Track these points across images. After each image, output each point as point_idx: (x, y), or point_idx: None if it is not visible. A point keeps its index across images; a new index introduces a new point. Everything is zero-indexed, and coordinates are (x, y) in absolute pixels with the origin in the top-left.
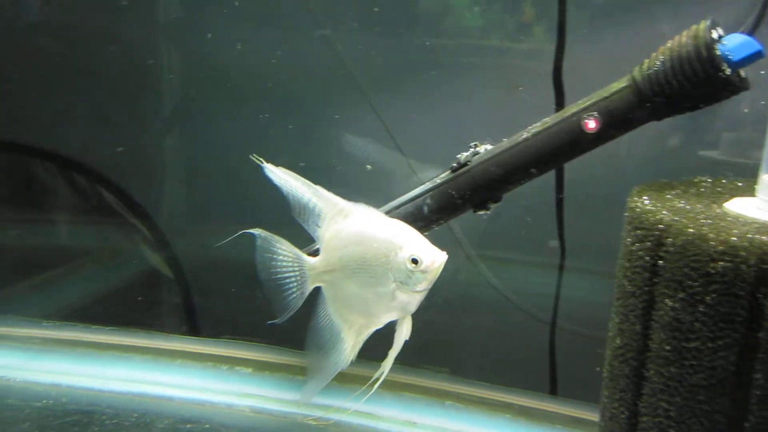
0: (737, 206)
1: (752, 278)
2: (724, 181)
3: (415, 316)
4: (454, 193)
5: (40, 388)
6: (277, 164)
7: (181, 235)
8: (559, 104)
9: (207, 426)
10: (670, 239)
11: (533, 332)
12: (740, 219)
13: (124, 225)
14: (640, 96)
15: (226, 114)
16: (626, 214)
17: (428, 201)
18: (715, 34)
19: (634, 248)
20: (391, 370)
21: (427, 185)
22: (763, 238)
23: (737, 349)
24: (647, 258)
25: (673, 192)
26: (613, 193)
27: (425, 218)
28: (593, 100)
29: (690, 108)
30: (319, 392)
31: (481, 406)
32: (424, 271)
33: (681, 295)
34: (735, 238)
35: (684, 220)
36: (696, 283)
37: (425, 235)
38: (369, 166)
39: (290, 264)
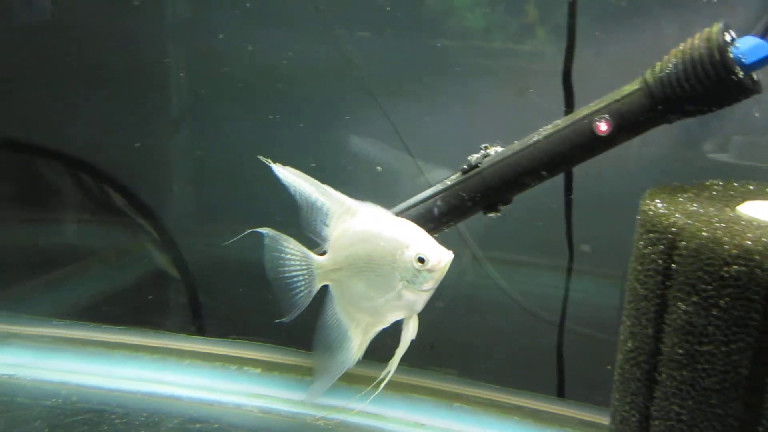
0: (750, 210)
1: (766, 282)
2: (735, 184)
3: (423, 317)
4: (464, 195)
5: (50, 386)
6: (286, 165)
7: (188, 235)
8: (569, 106)
9: (216, 426)
10: (684, 242)
11: (537, 333)
12: (754, 223)
13: (132, 225)
14: (652, 99)
15: (234, 114)
16: (638, 217)
17: (438, 203)
18: (727, 37)
19: (646, 251)
20: (399, 371)
21: (438, 187)
22: None
23: (751, 353)
24: (660, 261)
25: (686, 195)
26: (621, 196)
27: (435, 220)
28: (605, 103)
29: (702, 111)
30: (326, 392)
31: (489, 408)
32: (430, 270)
33: (694, 298)
34: (749, 242)
35: (698, 224)
36: (710, 287)
37: (434, 236)
38: (379, 168)
39: (298, 262)
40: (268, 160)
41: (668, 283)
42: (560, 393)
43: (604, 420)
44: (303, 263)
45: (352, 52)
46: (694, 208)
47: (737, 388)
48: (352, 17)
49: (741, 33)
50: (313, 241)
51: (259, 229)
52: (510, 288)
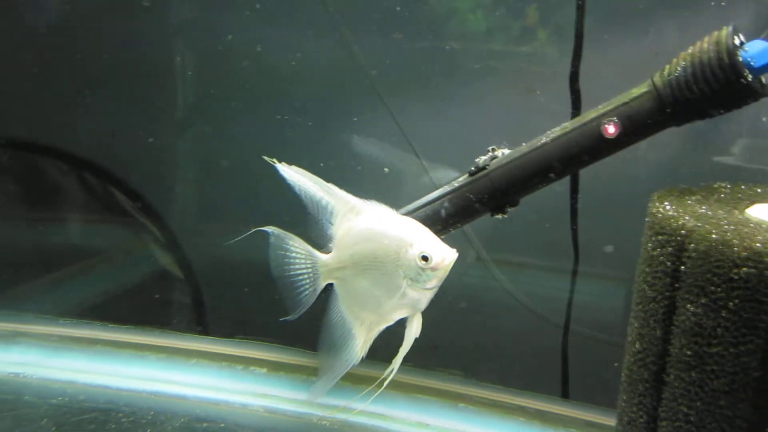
0: (759, 212)
1: None
2: (743, 187)
3: (426, 317)
4: (472, 196)
5: (56, 385)
6: (292, 165)
7: (192, 235)
8: (576, 109)
9: (222, 425)
10: (693, 245)
11: (541, 335)
12: (763, 225)
13: (135, 225)
14: (661, 101)
15: (242, 115)
16: (647, 219)
17: (446, 204)
18: (736, 41)
19: (655, 253)
20: (404, 372)
21: (445, 188)
22: None
23: (760, 355)
24: (669, 263)
25: (694, 198)
26: (627, 198)
27: (443, 221)
28: (613, 105)
29: (710, 114)
30: (332, 392)
31: (494, 409)
32: (434, 269)
33: (703, 300)
34: (759, 245)
35: (707, 226)
36: (719, 289)
37: (441, 238)
38: (386, 169)
39: (303, 261)
40: (273, 160)
41: (677, 285)
42: (565, 394)
43: (609, 421)
44: (308, 261)
45: (359, 54)
46: (703, 211)
47: (746, 390)
48: (358, 18)
49: (749, 36)
50: (320, 240)
51: (265, 228)
52: (515, 289)
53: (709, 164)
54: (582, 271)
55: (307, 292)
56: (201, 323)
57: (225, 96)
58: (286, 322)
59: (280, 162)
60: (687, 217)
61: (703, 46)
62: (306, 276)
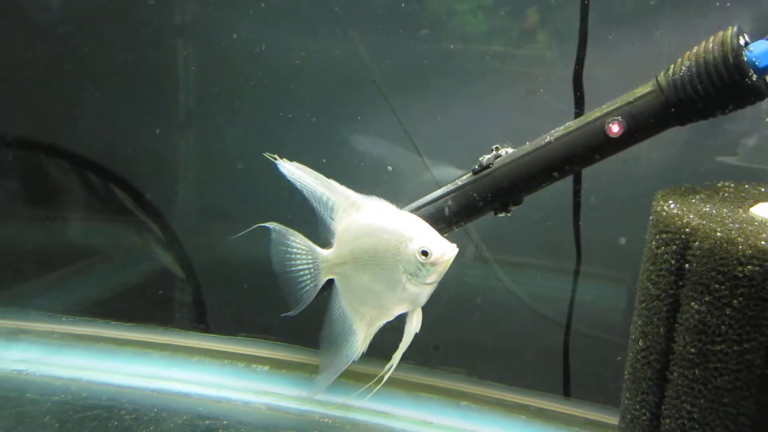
0: (763, 211)
1: None
2: (747, 186)
3: (427, 317)
4: (475, 195)
5: (59, 382)
6: (293, 162)
7: (193, 234)
8: (579, 109)
9: (224, 422)
10: (698, 243)
11: (542, 334)
12: (767, 224)
13: (137, 224)
14: (665, 101)
15: (244, 113)
16: (651, 218)
17: (449, 203)
18: (741, 41)
19: (659, 252)
20: (407, 370)
21: (449, 187)
22: None
23: (763, 353)
24: (673, 261)
25: (698, 196)
26: (630, 198)
27: (446, 220)
28: (617, 105)
29: (714, 114)
30: (333, 388)
31: (496, 407)
32: (433, 264)
33: (707, 298)
34: (763, 243)
35: (711, 224)
36: (723, 287)
37: (444, 236)
38: (390, 168)
39: (304, 256)
40: (275, 156)
41: (681, 283)
42: (566, 392)
43: (609, 419)
44: (309, 257)
45: (363, 53)
46: (708, 209)
47: (750, 387)
48: (362, 18)
49: (753, 37)
50: (325, 238)
51: (266, 224)
52: (518, 289)
53: (712, 164)
54: (584, 271)
55: (308, 287)
56: (201, 322)
57: (228, 94)
58: (287, 320)
59: (281, 158)
60: (691, 216)
61: (708, 46)
62: (307, 271)
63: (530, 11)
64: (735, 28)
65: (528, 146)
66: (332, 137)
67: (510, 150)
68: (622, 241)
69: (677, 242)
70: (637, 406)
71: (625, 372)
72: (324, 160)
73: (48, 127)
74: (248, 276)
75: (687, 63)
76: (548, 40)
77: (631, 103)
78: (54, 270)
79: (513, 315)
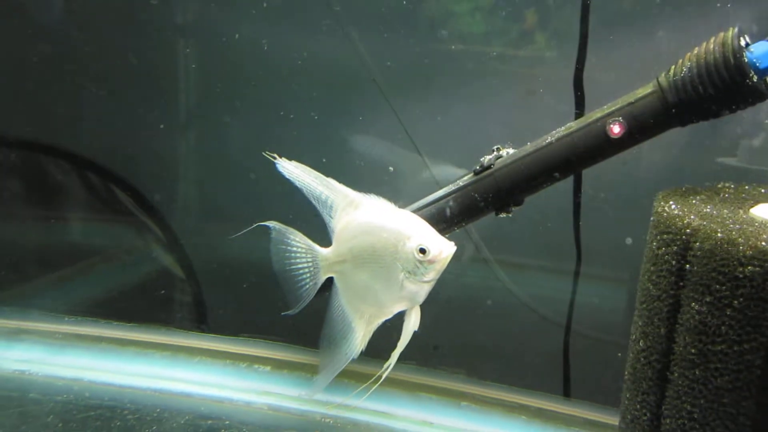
0: (763, 212)
1: None
2: (747, 187)
3: (429, 317)
4: (477, 195)
5: (62, 382)
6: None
7: (193, 234)
8: (579, 109)
9: (226, 422)
10: (698, 243)
11: (542, 334)
12: (767, 225)
13: (137, 224)
14: (666, 102)
15: (245, 113)
16: (652, 218)
17: (451, 203)
18: (742, 42)
19: (660, 252)
20: (408, 370)
21: (450, 188)
22: None
23: (763, 353)
24: (674, 262)
25: (699, 197)
26: (630, 198)
27: (447, 220)
28: (618, 105)
29: (714, 115)
30: (334, 388)
31: (496, 407)
32: (431, 261)
33: (708, 298)
34: (764, 243)
35: (712, 225)
36: (724, 287)
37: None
38: (391, 168)
39: (303, 255)
40: (274, 155)
41: (681, 284)
42: (566, 393)
43: (609, 419)
44: (308, 255)
45: (364, 54)
46: (708, 210)
47: (750, 387)
48: (363, 18)
49: (753, 38)
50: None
51: (266, 222)
52: (518, 289)
53: (712, 165)
54: (584, 272)
55: (307, 285)
56: (202, 322)
57: (230, 94)
58: (288, 321)
59: (280, 157)
60: (692, 216)
61: (709, 47)
62: (306, 270)
63: (529, 12)
64: (736, 29)
65: (529, 147)
66: (333, 137)
67: (511, 151)
68: (629, 241)
69: (678, 243)
70: (638, 406)
71: (626, 372)
72: (324, 160)
73: (49, 128)
74: (249, 276)
75: (688, 64)
76: (547, 41)
77: (632, 103)
78: (55, 270)
79: (513, 315)
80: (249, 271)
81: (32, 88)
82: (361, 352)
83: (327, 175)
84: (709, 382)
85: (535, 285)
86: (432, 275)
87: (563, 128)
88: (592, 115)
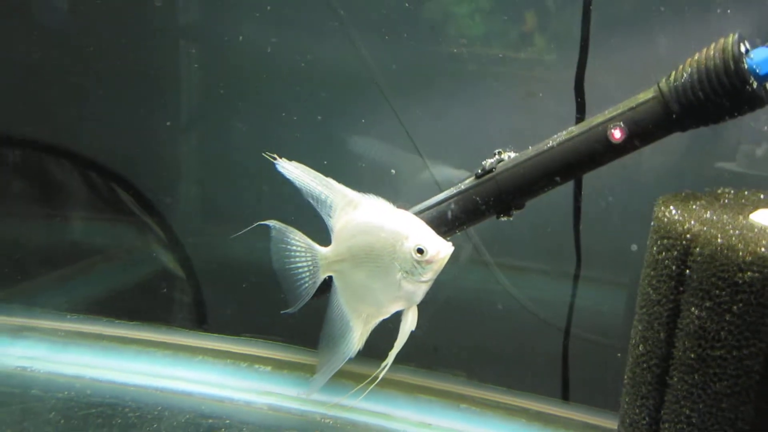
0: (762, 218)
1: None
2: (746, 192)
3: (428, 320)
4: (478, 199)
5: (63, 379)
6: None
7: (193, 234)
8: (580, 113)
9: (227, 422)
10: (699, 249)
11: (540, 337)
12: (767, 230)
13: (139, 224)
14: (667, 107)
15: (249, 115)
16: (653, 223)
17: (452, 206)
18: (742, 48)
19: (660, 257)
20: (408, 372)
21: (452, 190)
22: None
23: (762, 358)
24: (674, 267)
25: (699, 203)
26: (629, 201)
27: (449, 223)
28: (619, 111)
29: (715, 120)
30: (334, 389)
31: (496, 410)
32: (429, 262)
33: (708, 303)
34: (763, 249)
35: (712, 230)
36: (723, 293)
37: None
38: (393, 171)
39: (303, 254)
40: (273, 156)
41: (681, 289)
42: (565, 396)
43: (608, 423)
44: (308, 254)
45: (367, 57)
46: (708, 216)
47: (748, 393)
48: (364, 21)
49: (753, 44)
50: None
51: (266, 222)
52: (518, 292)
53: (712, 170)
54: (584, 275)
55: (307, 284)
56: (202, 322)
57: (232, 96)
58: (290, 320)
59: (280, 158)
60: (692, 222)
61: (709, 52)
62: (306, 268)
63: (528, 15)
64: (736, 36)
65: (530, 151)
66: (335, 139)
67: (513, 154)
68: (634, 247)
69: (678, 248)
70: (637, 411)
71: (625, 376)
72: (325, 162)
73: (52, 128)
74: (249, 276)
75: (688, 69)
76: (547, 44)
77: (633, 108)
78: (58, 268)
79: (512, 318)
80: (249, 271)
81: (35, 88)
82: (361, 353)
83: (329, 176)
84: (708, 387)
85: (534, 288)
86: (429, 275)
87: (564, 132)
88: (593, 120)
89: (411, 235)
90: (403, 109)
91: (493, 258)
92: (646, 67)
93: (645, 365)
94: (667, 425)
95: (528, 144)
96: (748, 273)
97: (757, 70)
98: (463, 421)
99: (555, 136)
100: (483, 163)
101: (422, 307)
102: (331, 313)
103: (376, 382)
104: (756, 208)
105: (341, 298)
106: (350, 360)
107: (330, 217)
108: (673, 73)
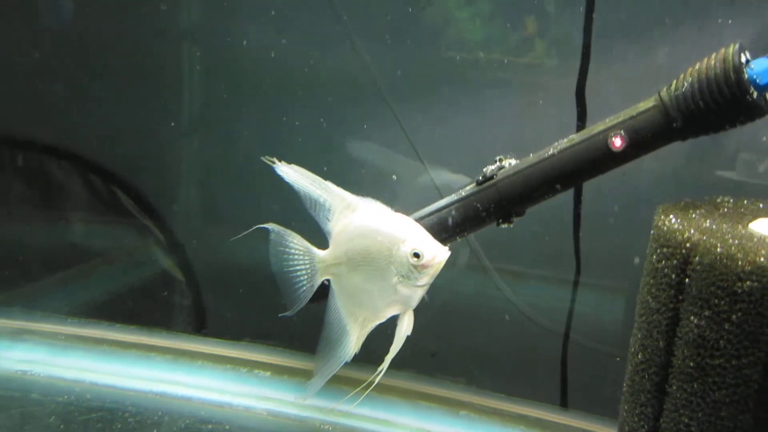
0: (762, 227)
1: None
2: (745, 201)
3: (426, 324)
4: (479, 206)
5: (63, 383)
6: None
7: (194, 237)
8: (581, 121)
9: (226, 427)
10: (698, 258)
11: (539, 343)
12: (766, 240)
13: (139, 226)
14: (667, 116)
15: (251, 120)
16: (652, 231)
17: (453, 213)
18: (743, 58)
19: (659, 266)
20: (407, 378)
21: (453, 197)
22: None
23: (761, 367)
24: (673, 275)
25: (698, 211)
26: (630, 209)
27: (450, 230)
28: (620, 119)
29: (715, 129)
30: (332, 393)
31: (495, 417)
32: (425, 266)
33: (707, 312)
34: (762, 259)
35: (712, 240)
36: (722, 302)
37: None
38: (394, 176)
39: (301, 257)
40: (273, 159)
41: (681, 297)
42: (564, 403)
43: (607, 430)
44: (306, 258)
45: (368, 62)
46: (708, 225)
47: (747, 402)
48: (366, 26)
49: (753, 54)
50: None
51: (265, 225)
52: (517, 299)
53: (712, 178)
54: (583, 282)
55: (304, 287)
56: (201, 326)
57: (235, 100)
58: (290, 326)
59: (279, 161)
60: (692, 231)
61: (710, 62)
62: (304, 272)
63: (528, 20)
64: (737, 46)
65: (531, 158)
66: (337, 144)
67: (513, 161)
68: (636, 261)
69: (677, 257)
70: (636, 419)
71: (624, 384)
72: (325, 169)
73: (53, 130)
74: (250, 280)
75: (689, 79)
76: (547, 49)
77: (633, 117)
78: (58, 271)
79: (512, 324)
80: (250, 275)
81: (37, 90)
82: (361, 358)
83: (330, 180)
84: (707, 396)
85: (533, 294)
86: (425, 280)
87: (565, 140)
88: (594, 128)
89: (407, 239)
90: (405, 115)
91: (492, 263)
92: (647, 74)
93: (644, 373)
94: None
95: (527, 144)
96: (747, 282)
97: (758, 80)
98: (462, 428)
99: (556, 143)
100: (484, 170)
101: (420, 312)
102: (328, 317)
103: (372, 387)
104: (755, 217)
105: (338, 302)
106: (350, 365)
107: (328, 220)
108: (674, 82)
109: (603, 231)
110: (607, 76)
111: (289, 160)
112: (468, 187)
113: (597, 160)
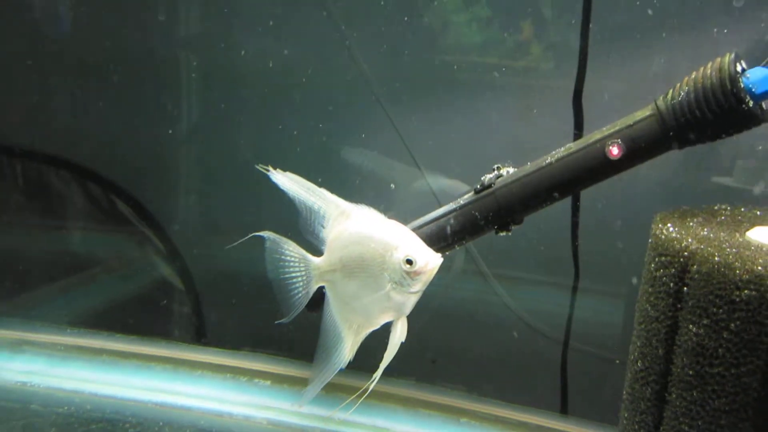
0: (759, 235)
1: None
2: (743, 209)
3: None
4: (477, 214)
5: (63, 394)
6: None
7: (193, 246)
8: (578, 128)
9: None
10: (696, 266)
11: (538, 349)
12: (763, 248)
13: (137, 235)
14: (664, 125)
15: (248, 128)
16: (650, 240)
17: (451, 221)
18: (739, 67)
19: (658, 274)
20: (408, 386)
21: (451, 206)
22: None
23: (760, 376)
24: (672, 284)
25: (696, 220)
26: (627, 216)
27: (448, 238)
28: (617, 128)
29: (711, 138)
30: (330, 401)
31: (496, 424)
32: (418, 273)
33: (705, 321)
34: (760, 267)
35: (709, 248)
36: (720, 310)
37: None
38: (392, 185)
39: (296, 264)
40: (268, 167)
41: (679, 306)
42: (563, 410)
43: None
44: (301, 265)
45: (366, 70)
46: (705, 233)
47: (746, 410)
48: (363, 32)
49: (749, 64)
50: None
51: (261, 233)
52: (516, 305)
53: (708, 185)
54: (582, 287)
55: (300, 294)
56: (201, 335)
57: (234, 109)
58: (288, 335)
59: (274, 169)
60: (690, 239)
61: (706, 71)
62: (299, 279)
63: (525, 24)
64: (733, 55)
65: (529, 167)
66: (335, 152)
67: (511, 170)
68: (634, 281)
69: (676, 265)
70: (636, 427)
71: (624, 392)
72: (320, 180)
73: (52, 139)
74: (248, 288)
75: (685, 88)
76: (543, 53)
77: (630, 126)
78: (57, 280)
79: (511, 330)
80: (249, 284)
81: (36, 100)
82: (358, 366)
83: (327, 188)
84: (707, 404)
85: (532, 300)
86: (418, 286)
87: (563, 149)
88: (591, 137)
89: (400, 245)
90: (401, 122)
91: (490, 269)
92: (643, 80)
93: (644, 381)
94: None
95: (524, 148)
96: (745, 291)
97: (753, 89)
98: None
99: (553, 152)
100: (482, 178)
101: (415, 318)
102: (324, 324)
103: (366, 394)
104: (752, 225)
105: (333, 309)
106: (348, 372)
107: (323, 227)
108: (671, 91)
109: (602, 237)
110: (605, 80)
111: (288, 168)
112: (466, 196)
113: (594, 169)
